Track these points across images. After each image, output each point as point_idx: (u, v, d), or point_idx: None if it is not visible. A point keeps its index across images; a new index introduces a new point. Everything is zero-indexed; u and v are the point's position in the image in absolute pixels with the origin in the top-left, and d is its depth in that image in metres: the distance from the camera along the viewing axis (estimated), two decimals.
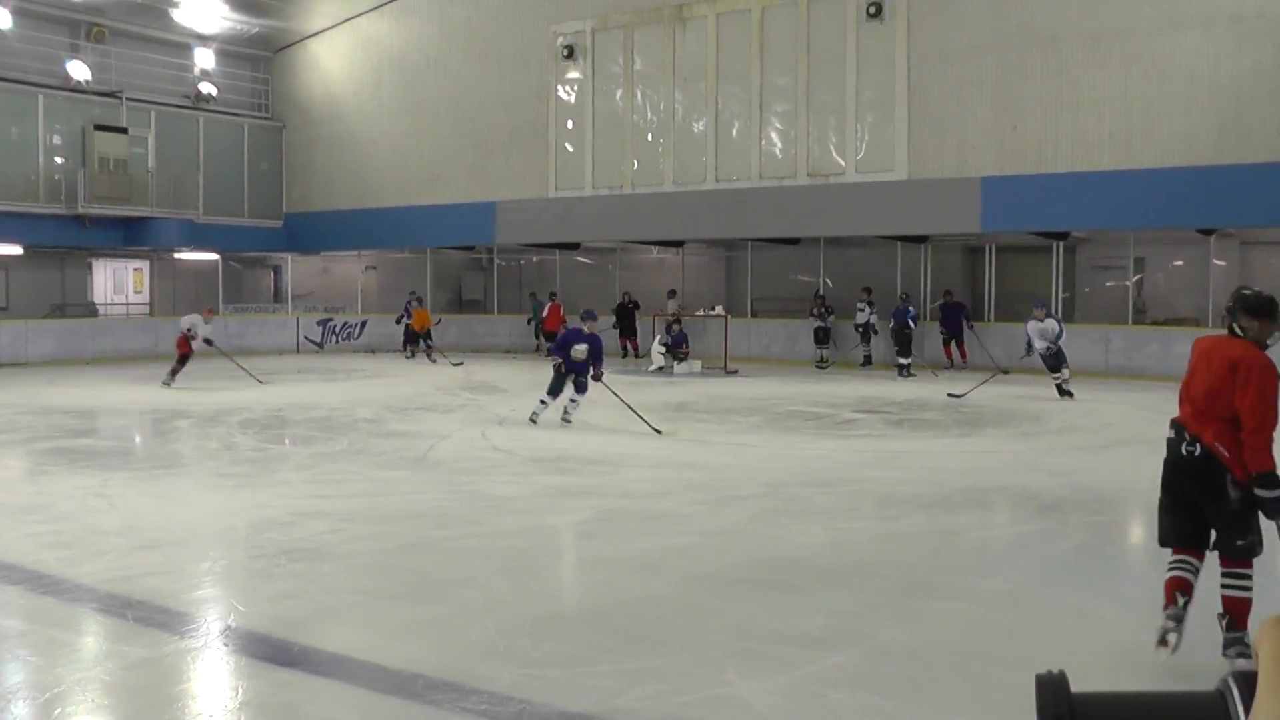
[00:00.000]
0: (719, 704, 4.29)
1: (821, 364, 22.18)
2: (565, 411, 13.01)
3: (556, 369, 13.02)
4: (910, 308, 20.65)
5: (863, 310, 21.74)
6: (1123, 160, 18.78)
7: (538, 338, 26.06)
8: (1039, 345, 15.53)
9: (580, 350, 12.90)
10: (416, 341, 24.47)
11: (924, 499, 8.50)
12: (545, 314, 24.97)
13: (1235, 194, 17.80)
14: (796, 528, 7.60)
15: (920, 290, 22.65)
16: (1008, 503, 8.68)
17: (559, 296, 25.24)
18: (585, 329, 13.15)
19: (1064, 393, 15.71)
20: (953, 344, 21.28)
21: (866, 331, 21.75)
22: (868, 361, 21.82)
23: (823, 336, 22.46)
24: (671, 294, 24.77)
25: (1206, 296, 19.91)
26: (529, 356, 25.11)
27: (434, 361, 23.29)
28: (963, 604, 5.76)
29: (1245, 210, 17.97)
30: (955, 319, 21.24)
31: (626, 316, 24.44)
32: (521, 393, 16.93)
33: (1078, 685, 0.86)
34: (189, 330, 17.92)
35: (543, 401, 13.04)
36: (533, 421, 12.87)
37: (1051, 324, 15.60)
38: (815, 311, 22.51)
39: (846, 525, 7.68)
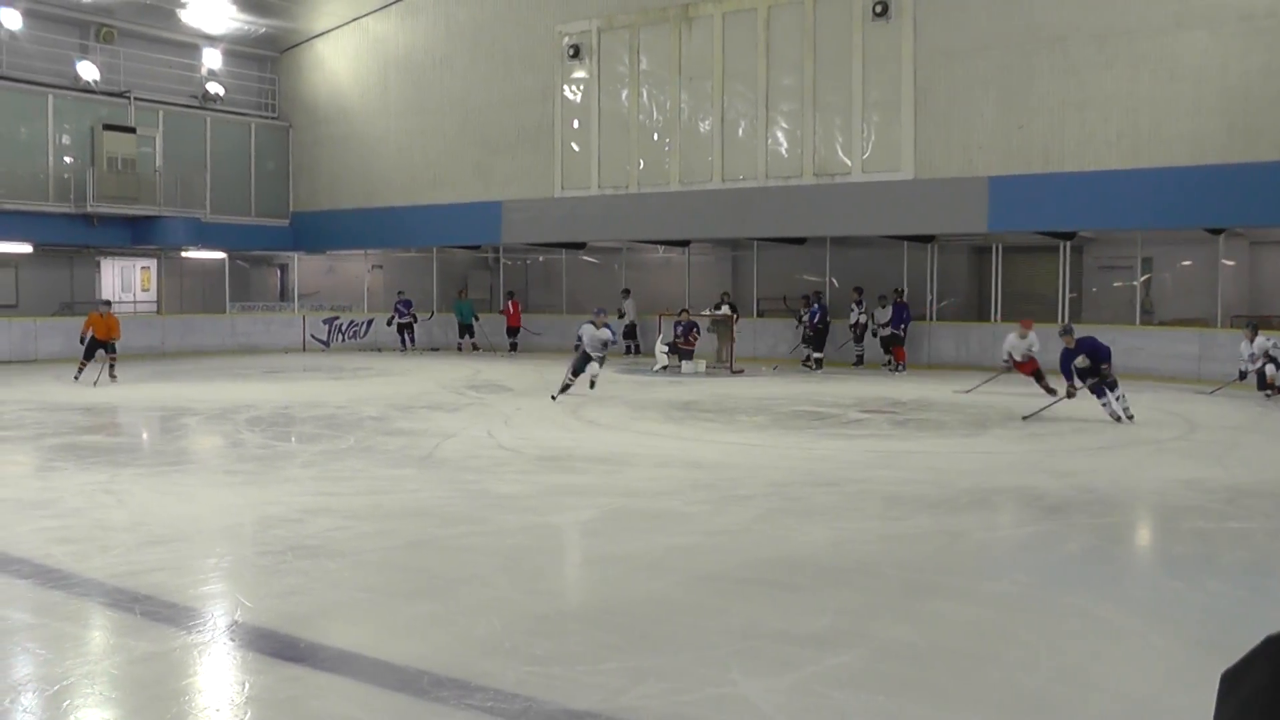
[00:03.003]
0: (723, 703, 4.30)
1: (809, 363, 22.10)
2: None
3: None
4: (818, 306, 21.95)
5: (855, 310, 22.07)
6: (1130, 160, 18.76)
7: (461, 337, 26.75)
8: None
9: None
10: (98, 353, 18.54)
11: (929, 499, 8.50)
12: (509, 311, 26.71)
13: (1244, 193, 17.76)
14: (801, 527, 7.60)
15: (927, 290, 22.67)
16: (1013, 503, 8.68)
17: (517, 295, 27.54)
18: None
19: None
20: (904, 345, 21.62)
21: (860, 331, 21.99)
22: (860, 361, 22.06)
23: (812, 336, 22.41)
24: (626, 293, 25.17)
25: (1215, 297, 19.87)
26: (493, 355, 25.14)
27: (76, 380, 18.16)
28: (967, 605, 5.76)
29: (1254, 209, 17.93)
30: (901, 319, 21.44)
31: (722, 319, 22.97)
32: (528, 392, 16.97)
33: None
34: (1031, 349, 15.61)
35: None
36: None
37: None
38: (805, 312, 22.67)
39: (851, 525, 7.69)
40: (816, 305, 22.08)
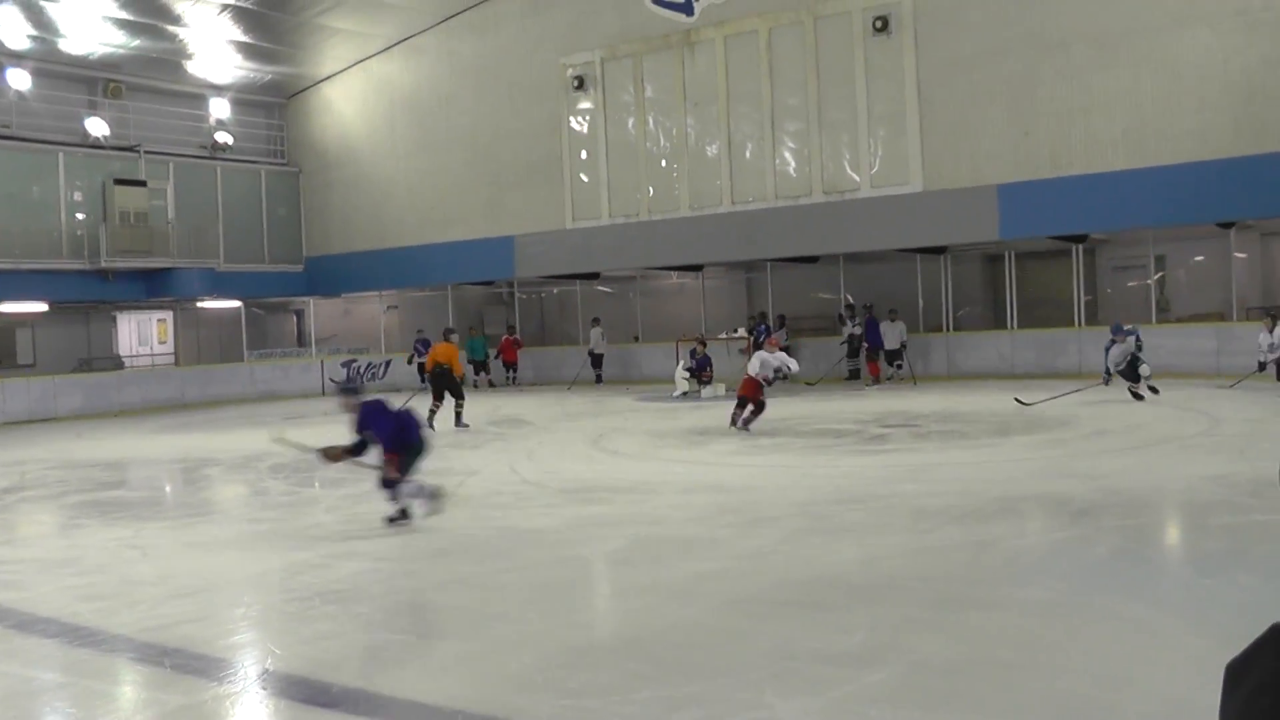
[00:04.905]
0: None
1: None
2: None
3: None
4: (764, 326, 22.31)
5: (848, 325, 22.22)
6: (1137, 159, 18.74)
7: (476, 374, 26.49)
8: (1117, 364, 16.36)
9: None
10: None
11: (956, 511, 8.45)
12: (512, 344, 26.76)
13: (1253, 185, 17.73)
14: (829, 546, 7.56)
15: (942, 301, 22.62)
16: (1041, 510, 8.61)
17: (517, 331, 27.68)
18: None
19: (1149, 390, 15.97)
20: (878, 359, 21.86)
21: (853, 345, 22.12)
22: (854, 375, 22.19)
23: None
24: (595, 322, 25.30)
25: (1230, 290, 19.77)
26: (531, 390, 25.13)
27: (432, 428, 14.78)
28: (1000, 614, 5.71)
29: (1264, 201, 17.89)
30: (876, 334, 21.55)
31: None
32: (549, 426, 16.95)
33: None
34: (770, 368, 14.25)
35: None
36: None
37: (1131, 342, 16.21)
38: (751, 330, 22.72)
39: (879, 541, 7.63)
40: (763, 325, 22.33)
